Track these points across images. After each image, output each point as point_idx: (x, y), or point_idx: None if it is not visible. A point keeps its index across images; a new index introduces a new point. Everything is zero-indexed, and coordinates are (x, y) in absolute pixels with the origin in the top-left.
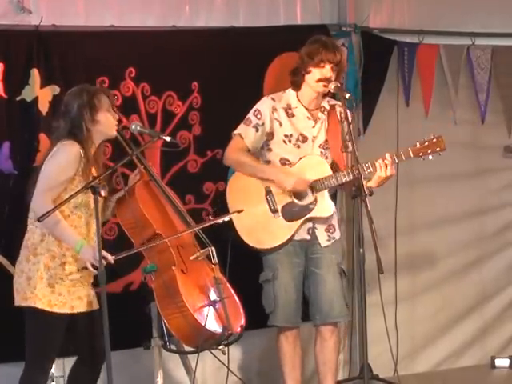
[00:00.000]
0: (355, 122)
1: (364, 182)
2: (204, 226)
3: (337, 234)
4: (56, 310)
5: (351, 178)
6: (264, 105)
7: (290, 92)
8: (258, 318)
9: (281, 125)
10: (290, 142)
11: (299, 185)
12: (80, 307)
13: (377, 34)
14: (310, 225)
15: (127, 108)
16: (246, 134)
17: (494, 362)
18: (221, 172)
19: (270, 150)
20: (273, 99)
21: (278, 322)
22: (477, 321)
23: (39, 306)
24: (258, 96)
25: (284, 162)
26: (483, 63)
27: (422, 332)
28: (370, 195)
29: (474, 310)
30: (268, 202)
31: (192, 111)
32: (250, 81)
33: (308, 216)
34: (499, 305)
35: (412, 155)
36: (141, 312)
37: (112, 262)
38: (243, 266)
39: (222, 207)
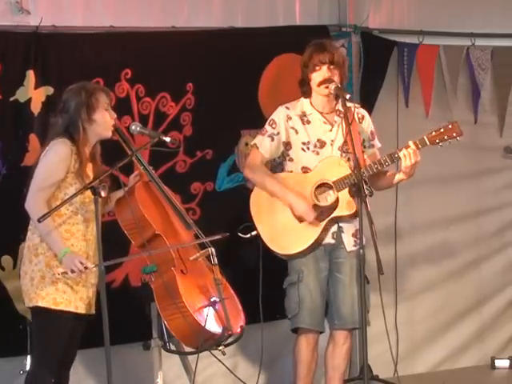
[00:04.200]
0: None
1: (396, 177)
2: (209, 239)
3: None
4: (62, 307)
5: (370, 173)
6: (278, 114)
7: (303, 100)
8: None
9: (297, 133)
10: (308, 149)
11: (306, 215)
12: (82, 308)
13: (376, 34)
14: (335, 229)
15: (120, 109)
16: (261, 143)
17: (493, 363)
18: (209, 172)
19: (291, 159)
20: (287, 108)
21: (302, 323)
22: (476, 321)
23: (43, 304)
24: (253, 96)
25: (306, 170)
26: (483, 64)
27: (421, 332)
28: (370, 195)
29: (474, 311)
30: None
31: (184, 112)
32: (247, 81)
33: (332, 216)
34: (499, 305)
35: (428, 143)
36: (125, 310)
37: (91, 268)
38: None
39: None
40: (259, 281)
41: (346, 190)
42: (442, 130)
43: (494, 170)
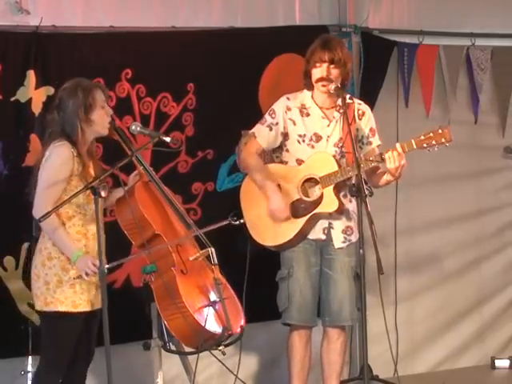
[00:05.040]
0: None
1: (384, 176)
2: (204, 230)
3: (354, 237)
4: (81, 309)
5: (357, 171)
6: (279, 104)
7: (306, 92)
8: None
9: (294, 124)
10: (303, 141)
11: (279, 212)
12: (95, 304)
13: (376, 34)
14: (325, 224)
15: (121, 109)
16: (259, 132)
17: (493, 363)
18: (210, 172)
19: (287, 150)
20: (288, 98)
21: (292, 319)
22: (476, 321)
23: (63, 309)
24: (253, 96)
25: (300, 162)
26: (483, 64)
27: (421, 332)
28: (370, 195)
29: (474, 311)
30: None
31: (186, 112)
32: (248, 81)
33: (314, 212)
34: (499, 305)
35: (415, 146)
36: (126, 310)
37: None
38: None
39: (238, 210)
40: (245, 277)
41: (331, 187)
42: (431, 135)
43: (494, 170)
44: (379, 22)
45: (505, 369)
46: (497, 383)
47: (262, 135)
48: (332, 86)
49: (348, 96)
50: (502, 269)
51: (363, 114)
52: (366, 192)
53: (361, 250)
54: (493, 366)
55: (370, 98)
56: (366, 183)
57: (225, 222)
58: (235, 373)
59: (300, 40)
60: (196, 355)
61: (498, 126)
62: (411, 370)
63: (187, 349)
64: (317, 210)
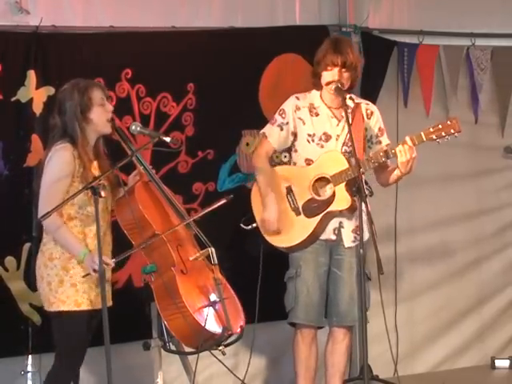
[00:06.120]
0: None
1: (395, 172)
2: (198, 216)
3: (364, 236)
4: (84, 307)
5: (367, 168)
6: (288, 103)
7: (314, 92)
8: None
9: (304, 123)
10: (313, 141)
11: (269, 224)
12: (96, 304)
13: (376, 34)
14: (336, 224)
15: (121, 109)
16: (270, 133)
17: (493, 363)
18: (211, 172)
19: (296, 151)
20: (297, 98)
21: (297, 319)
22: (477, 321)
23: (65, 308)
24: (254, 96)
25: (309, 162)
26: (483, 64)
27: (421, 332)
28: (371, 195)
29: (474, 311)
30: (289, 200)
31: (186, 112)
32: (248, 81)
33: (327, 210)
34: (499, 305)
35: (425, 139)
36: (127, 310)
37: (113, 265)
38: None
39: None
40: (258, 280)
41: (343, 184)
42: (440, 127)
43: (495, 170)
44: (379, 21)
45: (505, 369)
46: (497, 383)
47: (272, 135)
48: (332, 87)
49: (348, 96)
50: (502, 269)
51: (372, 113)
52: (366, 192)
53: (361, 250)
54: (493, 366)
55: (370, 97)
56: (366, 183)
57: (217, 204)
58: (244, 371)
59: (300, 40)
60: (196, 355)
61: (498, 126)
62: (411, 370)
63: (187, 349)
64: (330, 209)
